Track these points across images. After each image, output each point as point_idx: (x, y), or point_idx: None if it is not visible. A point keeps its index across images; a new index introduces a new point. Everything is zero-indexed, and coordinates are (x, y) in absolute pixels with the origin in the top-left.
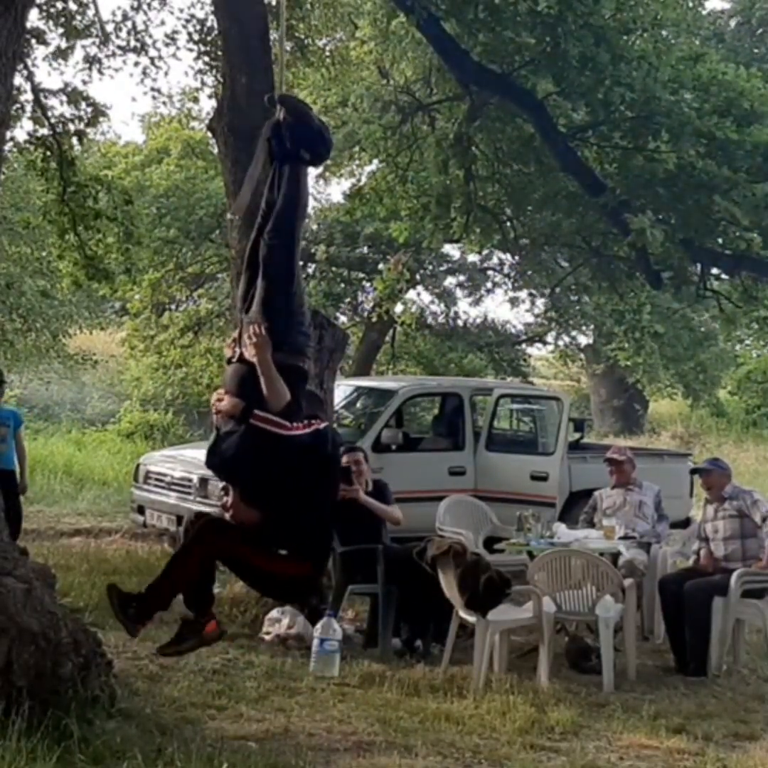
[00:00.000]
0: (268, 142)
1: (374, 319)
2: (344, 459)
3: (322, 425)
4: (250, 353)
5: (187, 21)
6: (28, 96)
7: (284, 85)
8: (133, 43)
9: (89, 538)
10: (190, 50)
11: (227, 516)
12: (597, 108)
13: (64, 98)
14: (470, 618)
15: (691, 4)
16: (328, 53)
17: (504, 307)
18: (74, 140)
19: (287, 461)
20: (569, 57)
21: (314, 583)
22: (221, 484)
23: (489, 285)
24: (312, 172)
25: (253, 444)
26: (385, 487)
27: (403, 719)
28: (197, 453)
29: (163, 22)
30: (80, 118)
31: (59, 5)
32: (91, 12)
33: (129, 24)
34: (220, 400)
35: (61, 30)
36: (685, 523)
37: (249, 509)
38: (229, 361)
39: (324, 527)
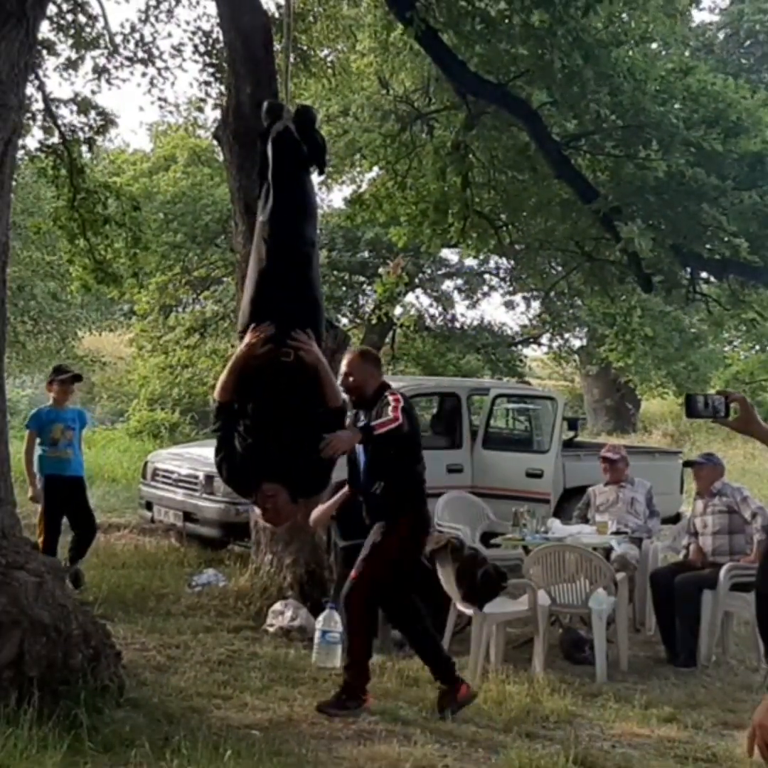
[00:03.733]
0: (277, 146)
1: (374, 322)
2: None
3: (397, 397)
4: (309, 358)
5: (194, 33)
6: (40, 105)
7: (288, 95)
8: (140, 54)
9: (99, 533)
10: (196, 61)
11: (265, 517)
12: (585, 120)
13: (74, 107)
14: (467, 610)
15: (682, 15)
16: (329, 64)
17: (500, 310)
18: (84, 148)
19: (400, 447)
20: (555, 70)
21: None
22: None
23: (485, 288)
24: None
25: (378, 451)
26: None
27: (402, 708)
28: (203, 451)
29: (170, 34)
30: (90, 127)
31: (69, 17)
32: (100, 24)
33: (137, 36)
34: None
35: (71, 41)
36: (676, 518)
37: (294, 509)
38: (248, 361)
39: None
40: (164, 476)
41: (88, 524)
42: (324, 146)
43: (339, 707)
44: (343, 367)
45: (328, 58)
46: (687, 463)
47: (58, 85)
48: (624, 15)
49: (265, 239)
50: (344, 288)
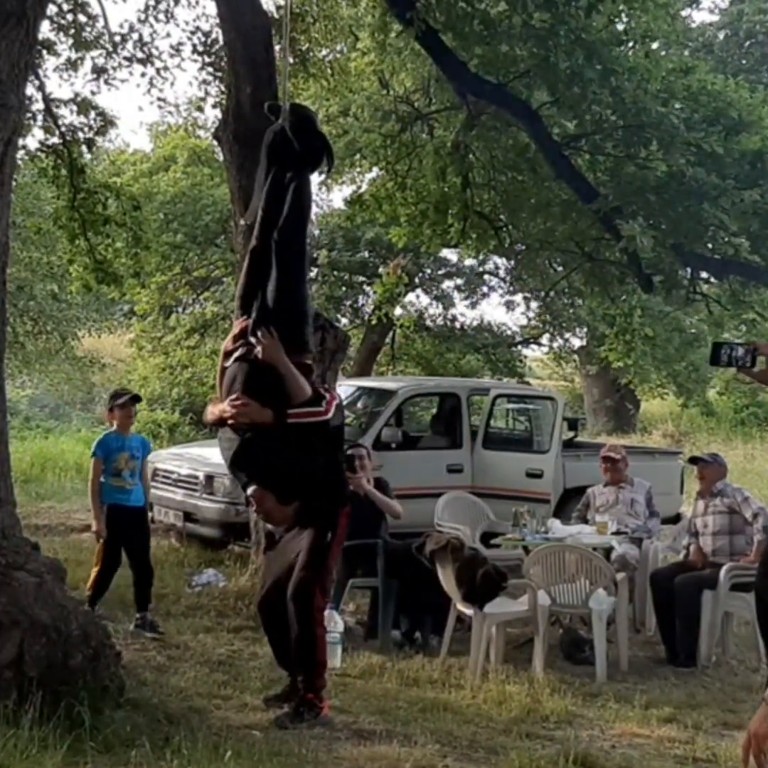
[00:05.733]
0: (271, 147)
1: (374, 322)
2: (349, 452)
3: (334, 395)
4: (265, 355)
5: (192, 33)
6: (40, 105)
7: (286, 95)
8: (139, 54)
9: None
10: (195, 61)
11: (262, 518)
12: (586, 120)
13: (74, 108)
14: (468, 611)
15: (683, 14)
16: (328, 65)
17: (500, 310)
18: (84, 148)
19: (326, 442)
20: (558, 71)
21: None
22: (248, 491)
23: (485, 288)
24: (314, 178)
25: (297, 440)
26: (386, 484)
27: (402, 709)
28: (203, 451)
29: (168, 34)
30: (90, 127)
31: (69, 17)
32: (100, 24)
33: (136, 36)
34: (237, 407)
35: (71, 41)
36: (676, 518)
37: (285, 509)
38: (227, 355)
39: (341, 482)
40: (164, 476)
41: (144, 561)
42: (322, 147)
43: (298, 720)
44: None
45: (327, 59)
46: (692, 460)
47: (58, 86)
48: (624, 16)
49: (254, 236)
50: (344, 288)
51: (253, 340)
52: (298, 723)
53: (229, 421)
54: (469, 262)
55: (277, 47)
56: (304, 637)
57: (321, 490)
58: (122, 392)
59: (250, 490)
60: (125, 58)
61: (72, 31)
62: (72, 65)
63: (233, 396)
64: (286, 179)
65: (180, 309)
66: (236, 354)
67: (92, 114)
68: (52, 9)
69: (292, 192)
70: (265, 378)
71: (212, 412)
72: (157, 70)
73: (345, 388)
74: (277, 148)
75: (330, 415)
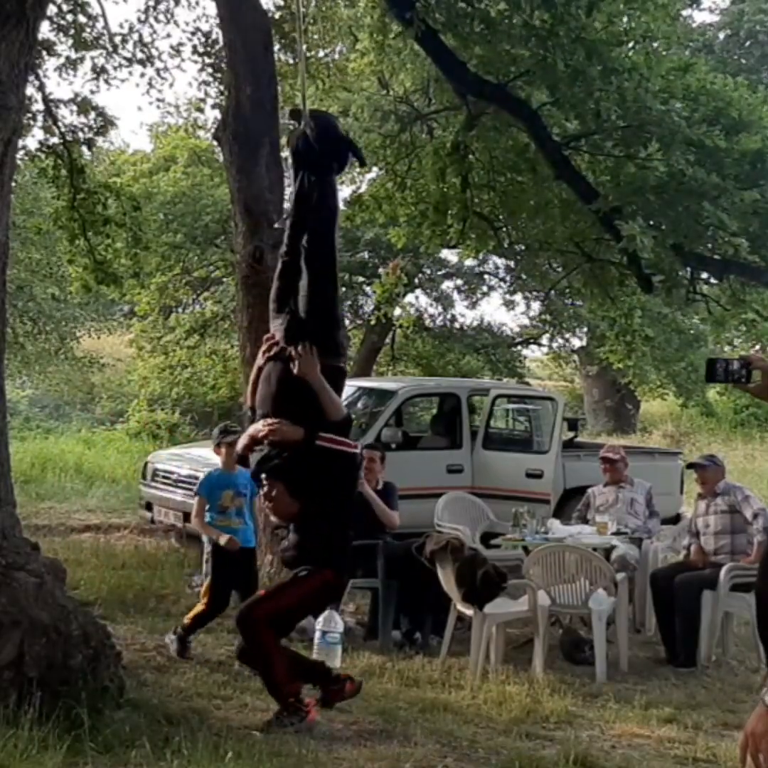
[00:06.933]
0: (295, 154)
1: (374, 322)
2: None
3: (357, 444)
4: (301, 370)
5: (193, 34)
6: (40, 106)
7: (305, 100)
8: (139, 54)
9: (99, 533)
10: (195, 61)
11: (267, 507)
12: (587, 119)
13: (74, 108)
14: (467, 611)
15: (684, 14)
16: (326, 66)
17: (500, 311)
18: (84, 149)
19: (345, 475)
20: (559, 70)
21: (340, 589)
22: (262, 476)
23: (485, 289)
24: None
25: (323, 466)
26: (392, 490)
27: (402, 709)
28: (203, 451)
29: (168, 35)
30: (90, 127)
31: (69, 18)
32: (99, 24)
33: (136, 36)
34: (270, 425)
35: (70, 41)
36: (676, 519)
37: (293, 503)
38: (269, 358)
39: (348, 535)
40: (164, 477)
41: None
42: (346, 149)
43: (279, 725)
44: None
45: (323, 60)
46: (690, 466)
47: (57, 86)
48: (624, 17)
49: (285, 242)
50: (344, 288)
51: (290, 350)
52: (281, 727)
53: (263, 440)
54: (468, 262)
55: (276, 47)
56: (256, 656)
57: (320, 528)
58: (232, 429)
59: (264, 476)
60: (125, 58)
61: (72, 31)
62: (72, 65)
63: (267, 420)
64: (312, 184)
65: (180, 309)
66: (269, 353)
67: (92, 114)
68: (52, 9)
69: (318, 197)
70: (299, 387)
71: (247, 434)
72: (157, 71)
73: (345, 388)
74: (301, 154)
75: (358, 450)
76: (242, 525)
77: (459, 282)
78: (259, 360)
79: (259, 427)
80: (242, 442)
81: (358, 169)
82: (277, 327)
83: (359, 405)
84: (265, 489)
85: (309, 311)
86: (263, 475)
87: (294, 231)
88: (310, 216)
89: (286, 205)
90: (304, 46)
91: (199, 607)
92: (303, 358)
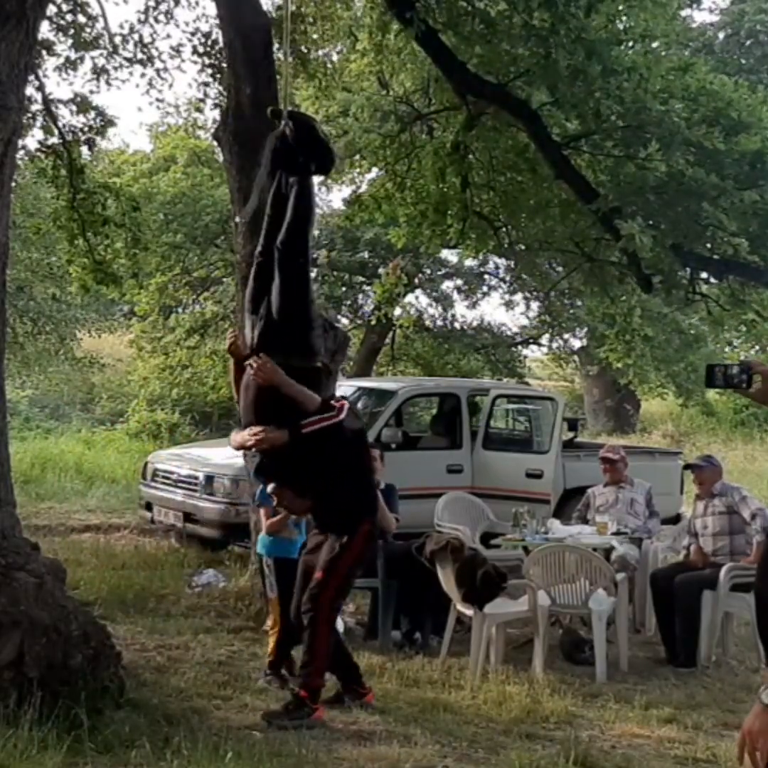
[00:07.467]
0: (274, 153)
1: (374, 322)
2: None
3: (344, 402)
4: (263, 381)
5: (192, 34)
6: (39, 106)
7: (286, 97)
8: (139, 54)
9: (99, 533)
10: (195, 62)
11: (281, 507)
12: (588, 119)
13: (74, 108)
14: (467, 611)
15: (683, 14)
16: (324, 66)
17: (500, 311)
18: (83, 149)
19: (343, 445)
20: (560, 69)
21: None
22: (268, 489)
23: (485, 289)
24: (315, 179)
25: (314, 447)
26: (392, 491)
27: (402, 709)
28: (203, 451)
29: (168, 35)
30: (89, 127)
31: (69, 18)
32: (99, 24)
33: (136, 36)
34: (257, 436)
35: (70, 41)
36: (676, 519)
37: (304, 501)
38: (231, 353)
39: (369, 482)
40: (164, 477)
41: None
42: (325, 154)
43: (288, 718)
44: None
45: (321, 59)
46: (687, 467)
47: (57, 86)
48: (623, 16)
49: (260, 243)
50: (344, 288)
51: (249, 363)
52: (283, 720)
53: (254, 448)
54: (468, 262)
55: (276, 47)
56: (310, 637)
57: (341, 496)
58: None
59: (270, 488)
60: (125, 58)
61: (72, 31)
62: (71, 65)
63: (252, 429)
64: (289, 185)
65: (180, 309)
66: (230, 343)
67: (92, 114)
68: (52, 9)
69: (293, 198)
70: (274, 392)
71: (235, 439)
72: (157, 71)
73: (345, 388)
74: (279, 154)
75: (342, 416)
76: (299, 536)
77: (459, 282)
78: (236, 365)
79: (246, 435)
80: (233, 443)
81: (358, 169)
82: (248, 328)
83: (360, 405)
84: (276, 501)
85: (281, 313)
86: (269, 488)
87: (269, 232)
88: (286, 216)
89: (249, 203)
90: (303, 46)
91: (273, 637)
92: (259, 369)
